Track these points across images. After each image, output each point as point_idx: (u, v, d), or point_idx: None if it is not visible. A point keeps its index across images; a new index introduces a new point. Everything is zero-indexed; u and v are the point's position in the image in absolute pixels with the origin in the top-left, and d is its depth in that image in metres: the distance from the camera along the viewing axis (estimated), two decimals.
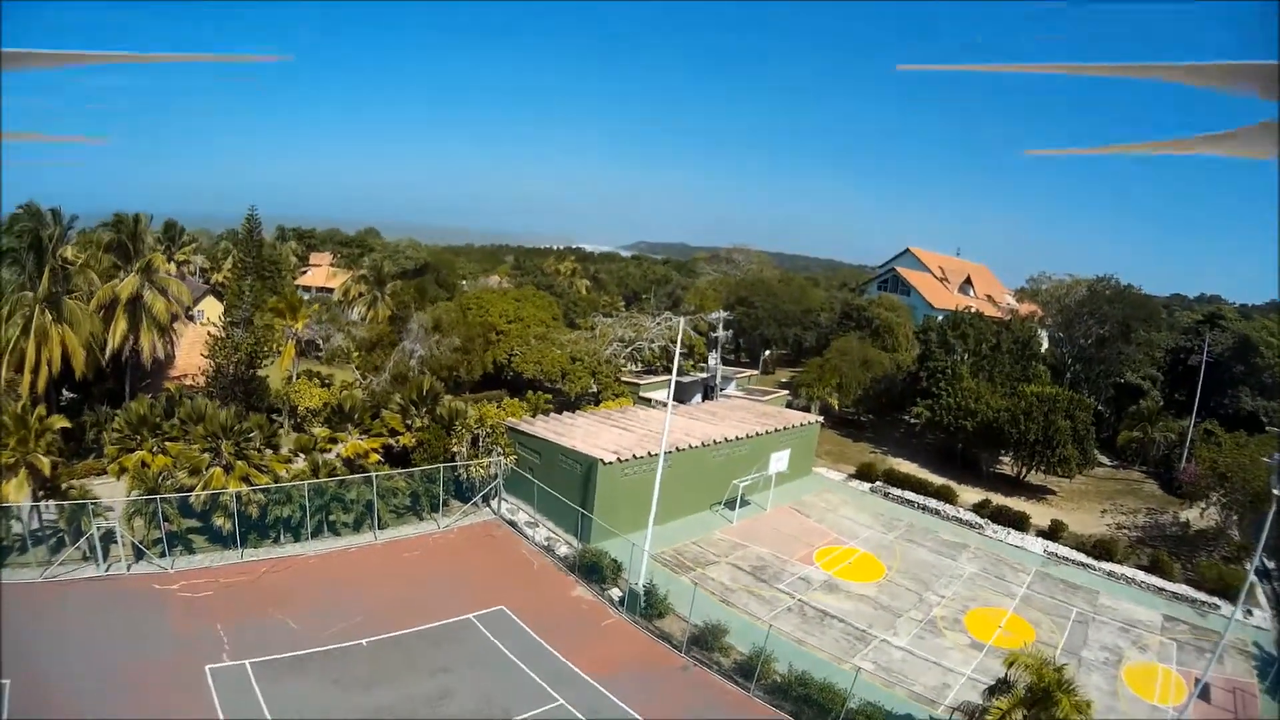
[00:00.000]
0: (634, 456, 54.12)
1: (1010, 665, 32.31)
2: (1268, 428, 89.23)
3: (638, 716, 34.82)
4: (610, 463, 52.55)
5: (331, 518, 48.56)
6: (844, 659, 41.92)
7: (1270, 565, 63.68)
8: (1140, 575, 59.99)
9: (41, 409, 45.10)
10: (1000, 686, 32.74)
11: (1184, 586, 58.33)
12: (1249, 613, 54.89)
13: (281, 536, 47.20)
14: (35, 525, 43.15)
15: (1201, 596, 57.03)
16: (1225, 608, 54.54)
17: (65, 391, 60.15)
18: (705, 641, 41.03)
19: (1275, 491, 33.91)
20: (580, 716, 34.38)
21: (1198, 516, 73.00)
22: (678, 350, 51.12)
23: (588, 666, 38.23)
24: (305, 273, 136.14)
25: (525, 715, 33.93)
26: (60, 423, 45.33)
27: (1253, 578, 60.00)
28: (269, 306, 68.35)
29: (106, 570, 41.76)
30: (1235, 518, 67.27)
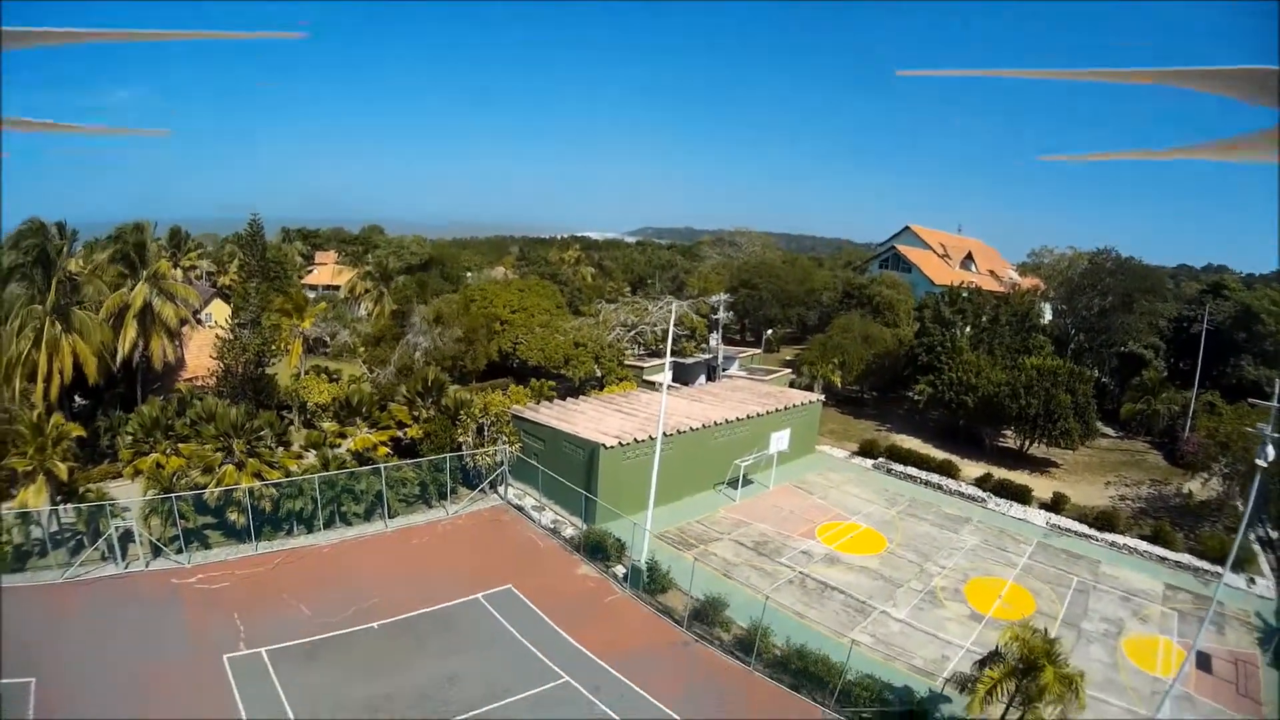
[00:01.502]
0: (635, 440, 55.19)
1: (1004, 639, 33.21)
2: (1264, 400, 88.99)
3: (640, 691, 35.76)
4: (612, 447, 53.70)
5: (343, 509, 49.87)
6: (843, 632, 42.42)
7: (1274, 535, 64.23)
8: (1143, 545, 60.34)
9: (57, 417, 46.34)
10: (992, 658, 33.33)
11: (1186, 556, 58.52)
12: (1251, 581, 55.20)
13: (294, 528, 48.55)
14: (54, 529, 44.51)
15: (1204, 565, 57.06)
16: (1229, 576, 52.39)
17: (77, 398, 61.40)
18: (706, 616, 42.02)
19: (1259, 462, 34.67)
20: (583, 691, 35.36)
21: (1200, 487, 73.17)
22: (670, 331, 52.25)
23: (593, 643, 39.29)
24: (311, 272, 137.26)
25: (527, 693, 34.91)
26: (75, 430, 46.62)
27: (1256, 546, 60.83)
28: (276, 306, 69.54)
29: (125, 568, 43.12)
30: (1237, 488, 67.45)
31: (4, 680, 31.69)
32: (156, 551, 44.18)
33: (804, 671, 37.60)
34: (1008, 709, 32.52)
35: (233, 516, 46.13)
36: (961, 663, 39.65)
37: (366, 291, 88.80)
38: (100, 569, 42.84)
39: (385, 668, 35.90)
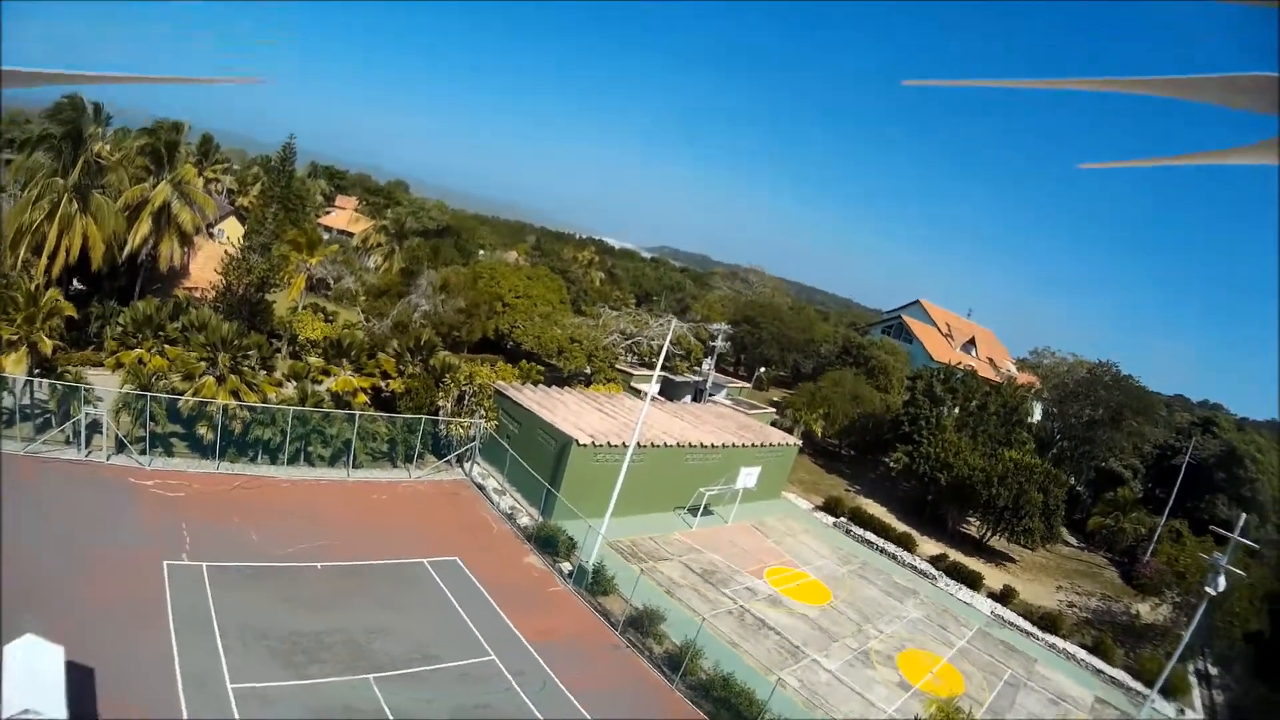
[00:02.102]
0: (609, 444, 55.20)
1: (929, 708, 33.48)
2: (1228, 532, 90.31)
3: (560, 684, 35.82)
4: (585, 445, 53.72)
5: (310, 449, 49.80)
6: (772, 670, 42.54)
7: (1213, 670, 64.76)
8: (1081, 653, 60.58)
9: (54, 292, 46.57)
10: None
11: (1121, 673, 58.91)
12: (1181, 712, 55.96)
13: (258, 456, 48.43)
14: (25, 402, 44.28)
15: (1138, 686, 57.32)
16: (1160, 702, 54.55)
17: (75, 282, 61.43)
18: (642, 625, 42.15)
19: (1209, 590, 35.13)
20: (505, 673, 35.36)
21: (1149, 610, 73.96)
22: (667, 343, 52.55)
23: (525, 628, 39.24)
24: (329, 213, 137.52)
25: (452, 663, 34.93)
26: (68, 309, 46.88)
27: (1192, 678, 61.45)
28: (288, 238, 69.74)
29: (86, 456, 42.98)
30: (1185, 619, 68.12)
31: None
32: (120, 447, 44.10)
33: (725, 701, 37.34)
34: None
35: (201, 430, 45.99)
36: None
37: (379, 245, 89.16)
38: (61, 451, 42.74)
39: (319, 606, 35.61)
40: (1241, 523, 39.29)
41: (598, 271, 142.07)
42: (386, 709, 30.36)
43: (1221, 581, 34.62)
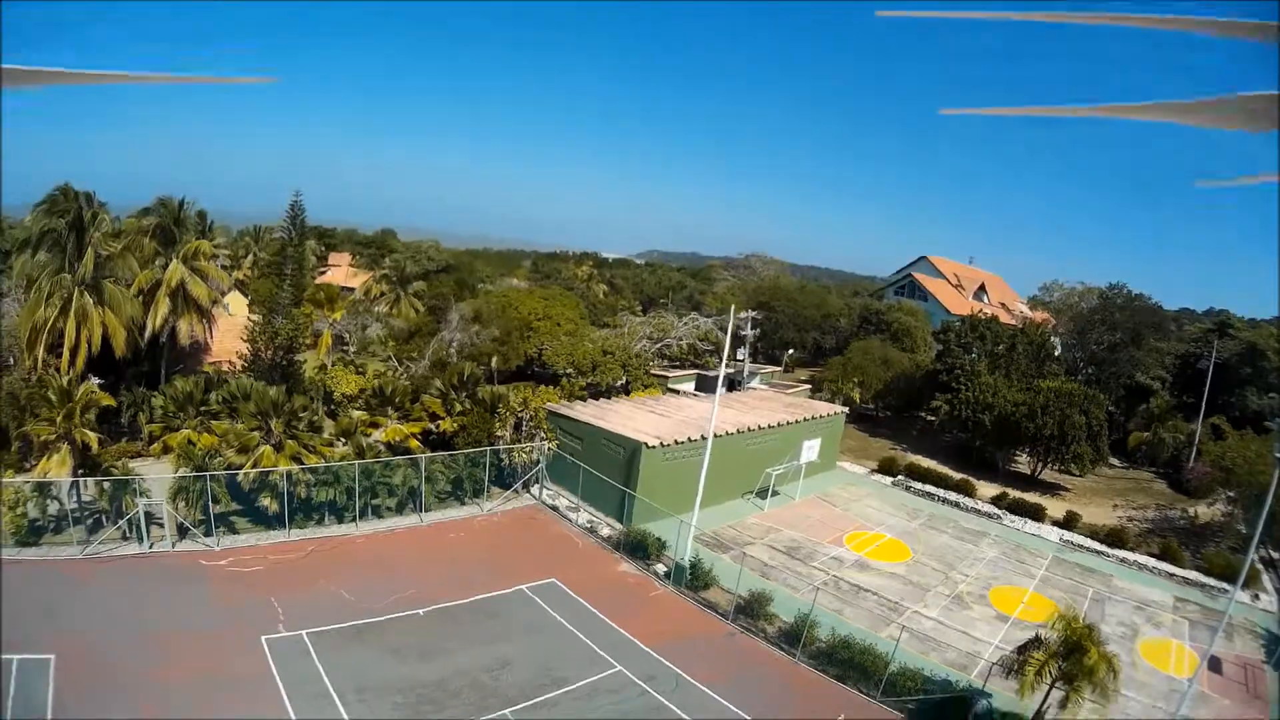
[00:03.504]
0: (675, 442, 54.54)
1: (1047, 622, 34.04)
2: (1269, 422, 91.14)
3: (691, 680, 35.25)
4: (654, 447, 52.94)
5: (375, 500, 48.26)
6: (879, 629, 43.04)
7: (1275, 555, 64.92)
8: (1151, 562, 61.70)
9: (87, 384, 44.80)
10: (1032, 643, 34.02)
11: (1193, 573, 60.03)
12: (1256, 597, 57.07)
13: (325, 518, 46.81)
14: (73, 505, 41.66)
15: (1210, 581, 58.68)
16: (1236, 592, 55.04)
17: (94, 377, 59.45)
18: (751, 610, 41.95)
19: (1278, 455, 34.67)
20: (637, 681, 34.67)
21: (1205, 509, 74.68)
22: (729, 338, 52.02)
23: (639, 634, 38.79)
24: (324, 272, 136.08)
25: (582, 681, 34.08)
26: (105, 399, 45.33)
27: (1259, 566, 61.58)
28: (307, 296, 68.09)
29: (150, 549, 40.83)
30: (1240, 512, 68.62)
31: (19, 656, 29.18)
32: (183, 533, 42.00)
33: (849, 662, 37.92)
34: (1050, 690, 33.37)
35: (265, 501, 44.13)
36: (993, 657, 40.03)
37: (383, 294, 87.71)
38: (122, 548, 40.50)
39: (432, 652, 34.61)
40: None
41: (599, 284, 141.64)
42: None
43: None
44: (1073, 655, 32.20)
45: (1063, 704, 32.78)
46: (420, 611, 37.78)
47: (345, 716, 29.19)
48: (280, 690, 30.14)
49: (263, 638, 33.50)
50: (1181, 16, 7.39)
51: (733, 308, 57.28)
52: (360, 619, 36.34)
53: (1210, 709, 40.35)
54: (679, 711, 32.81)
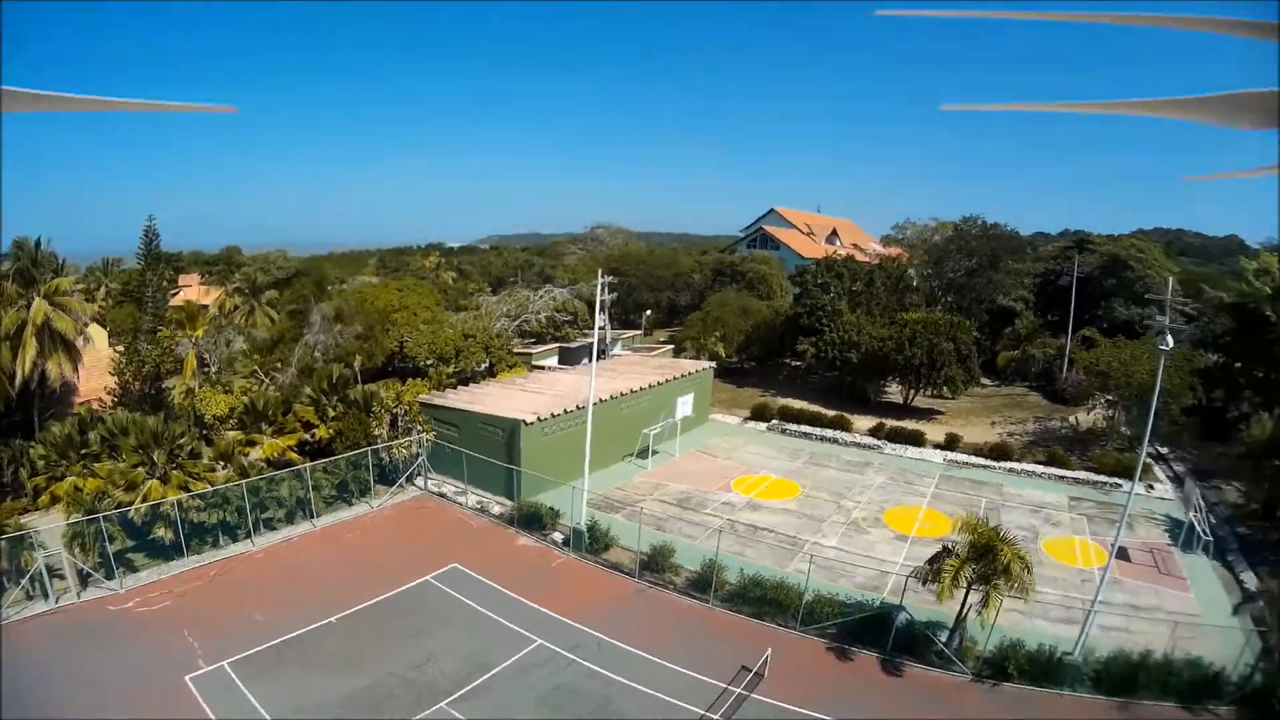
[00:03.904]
0: (551, 415, 57.08)
1: (955, 530, 37.66)
2: (1142, 325, 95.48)
3: (614, 641, 37.44)
4: (532, 423, 55.26)
5: (266, 514, 49.43)
6: (784, 564, 45.84)
7: (1163, 450, 69.55)
8: (1039, 469, 66.18)
9: None
10: (943, 553, 37.24)
11: (1083, 473, 64.97)
12: (1150, 487, 61.80)
13: (219, 540, 47.53)
14: None
15: (1102, 479, 63.48)
16: (1127, 485, 58.46)
17: None
18: (655, 564, 44.48)
19: (1160, 348, 37.58)
20: (562, 651, 36.61)
21: (1085, 416, 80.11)
22: (597, 302, 53.45)
23: (552, 605, 40.82)
24: (177, 293, 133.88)
25: (509, 660, 35.75)
26: None
27: (1148, 460, 65.76)
28: (168, 318, 67.94)
29: (56, 603, 40.32)
30: (1123, 414, 74.08)
31: None
32: (84, 580, 42.41)
33: (763, 599, 40.38)
34: (967, 594, 36.29)
35: (160, 533, 44.68)
36: (902, 574, 43.36)
37: (236, 308, 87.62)
38: (29, 608, 39.88)
39: (356, 659, 35.62)
40: (1170, 292, 42.18)
41: (448, 271, 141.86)
42: None
43: (1169, 339, 36.84)
44: (984, 558, 35.46)
45: (984, 603, 35.53)
46: (334, 619, 38.79)
47: None
48: None
49: (186, 678, 33.51)
50: (1190, 99, 7.94)
51: (600, 271, 58.99)
52: (277, 638, 36.95)
53: (1125, 591, 44.74)
54: (611, 674, 34.87)
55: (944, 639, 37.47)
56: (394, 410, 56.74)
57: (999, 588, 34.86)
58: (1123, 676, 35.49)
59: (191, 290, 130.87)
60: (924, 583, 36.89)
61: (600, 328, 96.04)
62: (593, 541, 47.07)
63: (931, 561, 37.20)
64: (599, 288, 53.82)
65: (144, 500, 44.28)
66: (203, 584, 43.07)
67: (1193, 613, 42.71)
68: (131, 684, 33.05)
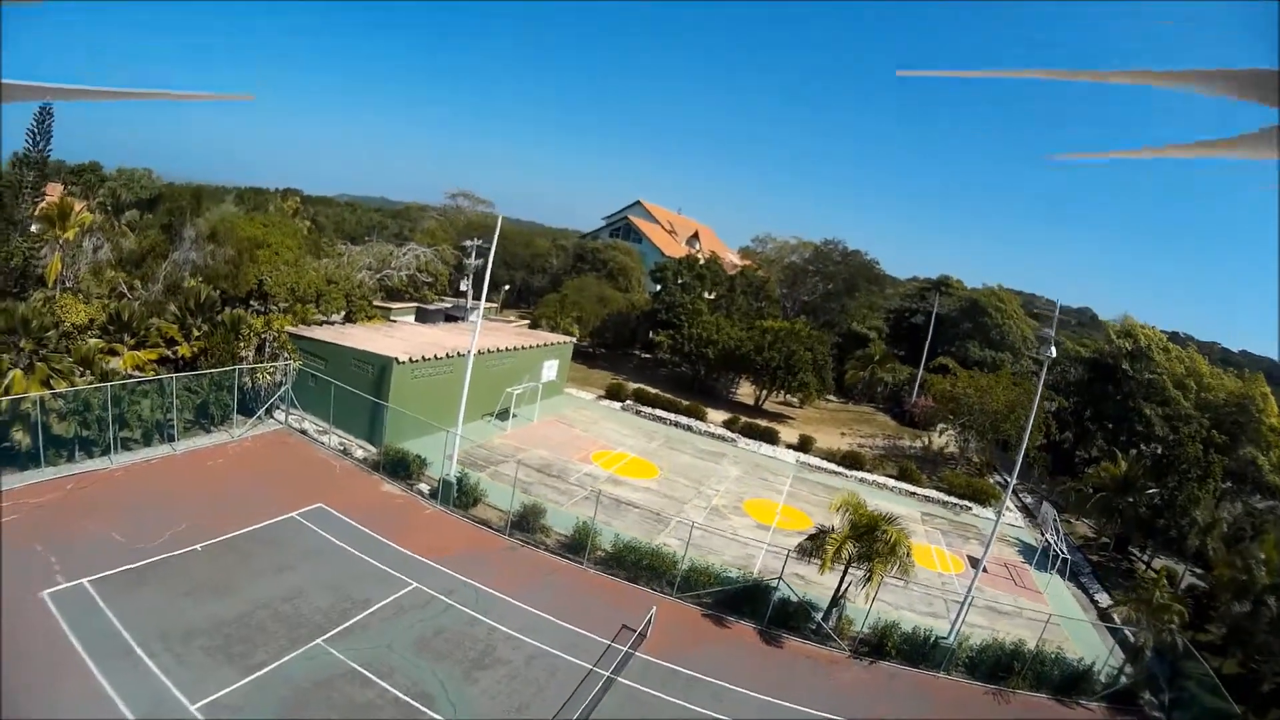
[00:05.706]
0: (424, 358, 57.12)
1: (837, 509, 40.43)
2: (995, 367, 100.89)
3: (489, 589, 38.03)
4: (404, 362, 54.95)
5: (124, 433, 46.92)
6: (652, 537, 46.94)
7: (1010, 480, 74.78)
8: (891, 481, 70.01)
9: None
10: (824, 531, 39.83)
11: (933, 491, 68.99)
12: (999, 514, 64.00)
13: (75, 454, 44.59)
14: None
15: (952, 499, 67.79)
16: (976, 508, 67.01)
17: None
18: (526, 524, 45.16)
19: (1044, 357, 40.11)
20: (439, 595, 36.86)
21: (939, 438, 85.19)
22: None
23: (422, 551, 40.90)
24: (42, 200, 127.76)
25: (385, 601, 35.62)
26: None
27: (998, 488, 70.60)
28: (40, 214, 64.56)
29: None
30: (976, 440, 79.12)
31: None
32: None
33: (639, 564, 41.99)
34: (846, 571, 39.20)
35: (18, 436, 41.59)
36: (767, 559, 46.69)
37: (99, 224, 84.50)
38: None
39: (224, 588, 34.29)
40: (1057, 308, 44.77)
41: (305, 220, 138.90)
42: (357, 665, 30.65)
43: (1053, 351, 39.19)
44: (865, 537, 37.98)
45: (867, 579, 37.83)
46: (199, 546, 37.27)
47: (155, 670, 28.09)
48: (79, 650, 28.36)
49: (44, 593, 31.31)
50: (1186, 72, 7.98)
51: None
52: (141, 560, 35.24)
53: (985, 598, 48.91)
54: (492, 622, 35.30)
55: (820, 617, 39.67)
56: (263, 335, 55.66)
57: (882, 565, 37.29)
58: (996, 663, 38.78)
59: (54, 200, 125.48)
60: (806, 556, 39.15)
61: (463, 291, 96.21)
62: (461, 495, 47.27)
63: (813, 538, 39.59)
64: (473, 245, 53.33)
65: (6, 392, 41.29)
66: (58, 496, 40.15)
67: (1055, 620, 45.76)
68: None
